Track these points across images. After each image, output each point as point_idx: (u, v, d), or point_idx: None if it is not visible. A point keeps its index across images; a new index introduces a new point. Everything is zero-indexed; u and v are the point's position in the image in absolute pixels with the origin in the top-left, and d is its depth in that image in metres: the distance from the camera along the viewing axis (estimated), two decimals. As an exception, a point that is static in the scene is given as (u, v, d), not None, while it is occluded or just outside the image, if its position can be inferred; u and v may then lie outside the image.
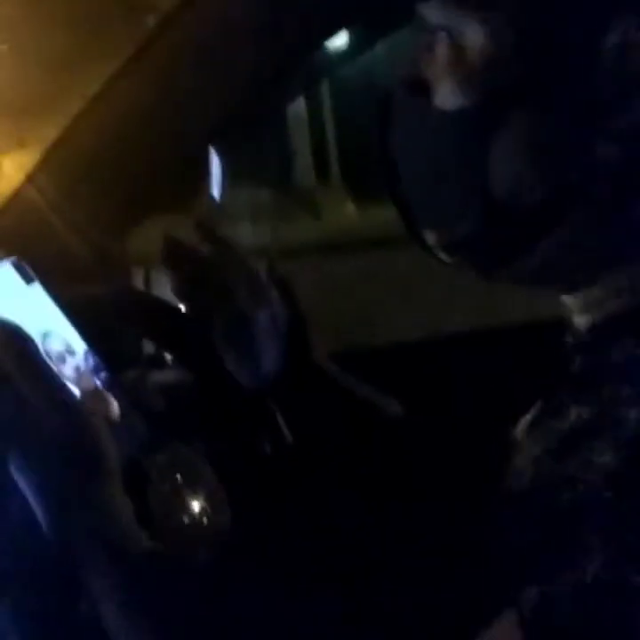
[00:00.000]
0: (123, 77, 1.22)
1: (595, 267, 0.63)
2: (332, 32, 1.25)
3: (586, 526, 0.52)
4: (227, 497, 1.00)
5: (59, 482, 0.67)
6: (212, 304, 0.89)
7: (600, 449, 0.54)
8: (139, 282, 1.37)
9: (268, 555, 1.00)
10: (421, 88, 0.63)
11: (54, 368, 0.68)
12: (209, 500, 0.97)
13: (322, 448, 1.04)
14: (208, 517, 0.96)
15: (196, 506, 0.96)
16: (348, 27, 1.25)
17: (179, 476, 0.96)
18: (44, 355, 0.67)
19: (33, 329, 0.68)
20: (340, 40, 1.38)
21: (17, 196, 1.26)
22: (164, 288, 1.39)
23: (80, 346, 0.73)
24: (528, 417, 0.66)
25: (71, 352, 0.71)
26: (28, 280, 0.71)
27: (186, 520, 0.95)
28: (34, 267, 0.73)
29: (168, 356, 1.15)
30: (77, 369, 0.70)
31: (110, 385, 0.72)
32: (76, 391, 0.69)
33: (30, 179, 1.26)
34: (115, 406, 0.71)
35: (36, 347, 0.67)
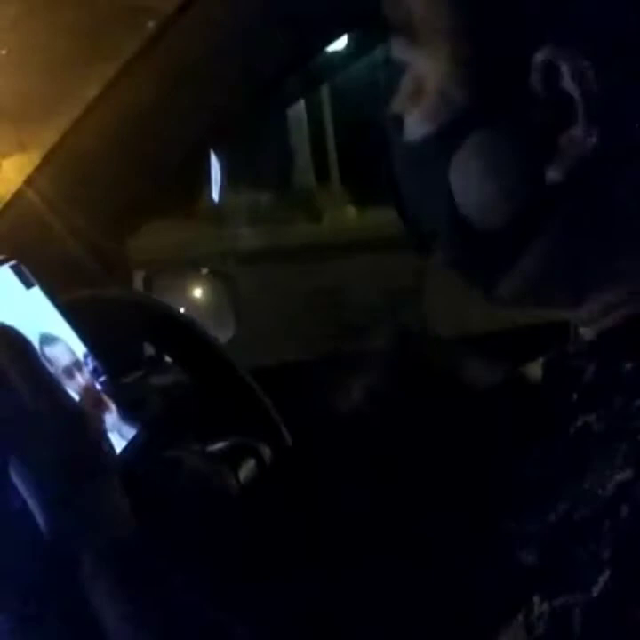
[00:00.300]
0: (122, 81, 1.23)
1: (580, 285, 0.64)
2: (331, 36, 1.25)
3: (598, 541, 0.52)
4: (226, 498, 1.00)
5: (57, 484, 0.67)
6: None
7: (615, 464, 0.54)
8: (138, 285, 1.37)
9: (269, 554, 1.00)
10: (396, 121, 0.66)
11: (53, 372, 0.68)
12: (208, 501, 0.97)
13: (321, 447, 1.04)
14: (207, 517, 0.96)
15: (196, 506, 0.96)
16: (345, 31, 1.26)
17: (179, 476, 0.96)
18: (42, 358, 0.68)
19: (32, 333, 0.68)
20: (339, 43, 1.38)
21: (17, 198, 1.26)
22: (163, 291, 1.39)
23: (79, 349, 0.73)
24: (541, 426, 0.66)
25: (70, 356, 0.71)
26: (28, 284, 0.71)
27: (187, 521, 0.95)
28: (33, 270, 0.72)
29: (168, 360, 1.16)
30: (76, 372, 0.70)
31: (109, 388, 0.72)
32: (75, 394, 0.69)
33: (30, 182, 1.26)
34: (113, 409, 0.71)
35: (34, 350, 0.67)
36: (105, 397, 0.71)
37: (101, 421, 0.70)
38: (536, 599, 0.53)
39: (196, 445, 1.02)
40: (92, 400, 0.70)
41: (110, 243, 1.32)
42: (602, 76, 0.58)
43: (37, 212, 1.25)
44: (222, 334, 1.33)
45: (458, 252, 0.66)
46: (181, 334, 1.13)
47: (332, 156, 4.87)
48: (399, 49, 0.65)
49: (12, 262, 0.71)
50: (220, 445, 1.05)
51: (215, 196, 1.45)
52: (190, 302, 1.40)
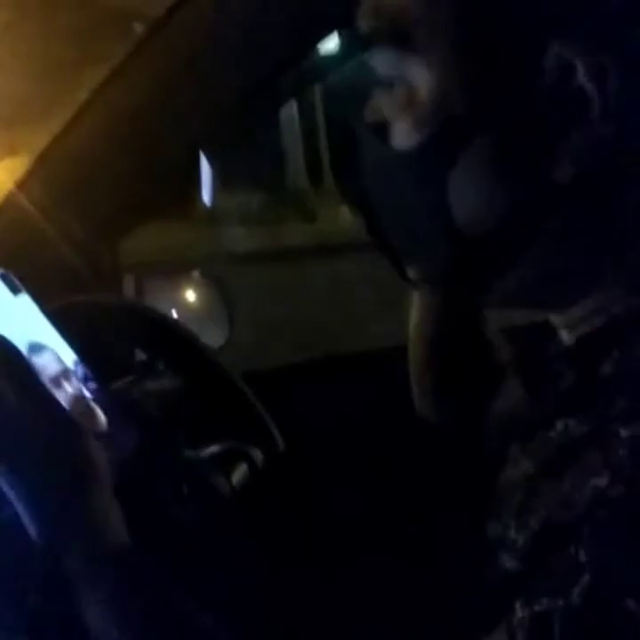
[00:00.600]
0: (112, 84, 1.22)
1: (573, 285, 0.64)
2: (321, 37, 1.25)
3: (577, 545, 0.52)
4: (223, 502, 1.00)
5: (47, 491, 0.67)
6: None
7: (593, 468, 0.54)
8: (130, 288, 1.37)
9: (263, 559, 0.99)
10: (381, 130, 0.65)
11: (42, 379, 0.67)
12: (200, 506, 0.97)
13: (314, 452, 1.04)
14: (200, 522, 0.96)
15: (187, 511, 0.96)
16: (338, 31, 1.25)
17: (169, 482, 0.96)
18: (31, 365, 0.67)
19: (20, 339, 0.68)
20: (331, 44, 1.38)
21: (7, 202, 1.26)
22: (155, 294, 1.38)
23: (68, 356, 0.72)
24: (519, 430, 0.66)
25: (59, 363, 0.71)
26: (15, 291, 0.71)
27: (177, 525, 0.94)
28: (24, 274, 0.72)
29: (160, 364, 1.15)
30: (66, 379, 0.70)
31: (99, 394, 0.72)
32: (64, 401, 0.68)
33: (21, 185, 1.26)
34: (103, 416, 0.70)
35: (25, 359, 0.67)
36: (95, 404, 0.71)
37: (92, 429, 0.69)
38: (517, 605, 0.53)
39: (189, 450, 1.01)
40: (82, 407, 0.70)
41: (101, 246, 1.32)
42: (620, 72, 0.57)
43: (28, 216, 1.24)
44: (215, 337, 1.33)
45: (447, 263, 0.65)
46: (173, 340, 1.13)
47: (325, 157, 4.87)
48: (386, 63, 0.64)
49: (0, 270, 0.71)
50: (212, 450, 1.05)
51: (207, 197, 1.45)
52: (182, 305, 1.40)
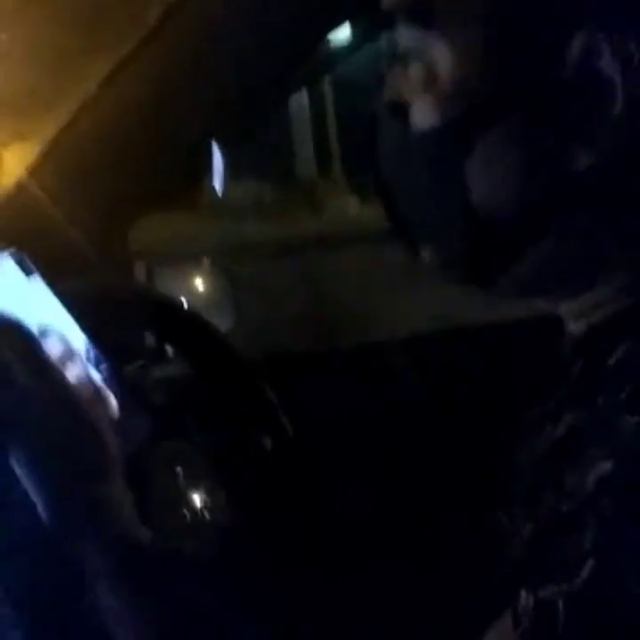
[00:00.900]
0: (123, 72, 1.22)
1: (587, 272, 0.64)
2: (329, 28, 1.25)
3: (581, 533, 0.52)
4: (227, 491, 1.00)
5: (60, 476, 0.67)
6: None
7: (598, 457, 0.54)
8: (140, 275, 1.37)
9: (269, 549, 1.00)
10: (400, 110, 0.65)
11: (55, 361, 0.68)
12: (210, 495, 0.97)
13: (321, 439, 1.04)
14: (209, 511, 0.96)
15: (196, 500, 0.96)
16: (346, 21, 1.25)
17: (179, 470, 0.96)
18: (44, 348, 0.67)
19: (33, 322, 0.68)
20: (342, 34, 1.38)
21: (18, 189, 1.26)
22: (165, 282, 1.39)
23: (81, 339, 0.72)
24: (528, 420, 0.66)
25: (72, 345, 0.71)
26: (29, 273, 0.71)
27: (187, 514, 0.95)
28: (35, 259, 0.72)
29: (169, 350, 1.15)
30: (78, 362, 0.70)
31: (111, 378, 0.72)
32: (77, 385, 0.68)
33: (31, 172, 1.26)
34: (115, 400, 0.71)
35: (36, 340, 0.67)
36: (106, 387, 0.71)
37: (103, 413, 0.69)
38: (523, 592, 0.53)
39: (198, 436, 1.02)
40: (94, 391, 0.70)
41: (112, 233, 1.32)
42: None
43: (38, 202, 1.25)
44: (222, 325, 1.33)
45: (461, 248, 0.64)
46: (185, 325, 1.13)
47: (335, 147, 4.86)
48: (409, 36, 0.63)
49: (13, 251, 0.71)
50: (221, 435, 1.05)
51: (217, 187, 1.45)
52: (191, 293, 1.40)
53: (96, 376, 0.71)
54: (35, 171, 1.26)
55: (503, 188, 0.62)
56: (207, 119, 1.31)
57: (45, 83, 1.28)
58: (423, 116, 0.63)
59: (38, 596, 0.83)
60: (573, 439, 0.58)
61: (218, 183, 1.41)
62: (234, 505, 1.00)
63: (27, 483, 0.66)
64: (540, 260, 0.63)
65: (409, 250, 0.67)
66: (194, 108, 1.27)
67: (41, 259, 0.73)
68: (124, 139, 1.28)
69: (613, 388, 0.57)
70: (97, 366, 0.72)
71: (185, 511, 0.95)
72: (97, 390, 0.70)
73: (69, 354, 0.69)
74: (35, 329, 0.68)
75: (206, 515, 0.96)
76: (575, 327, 0.66)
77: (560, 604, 0.51)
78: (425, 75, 0.62)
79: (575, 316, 0.66)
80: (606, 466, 0.54)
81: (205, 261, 1.49)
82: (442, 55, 0.61)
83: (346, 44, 1.45)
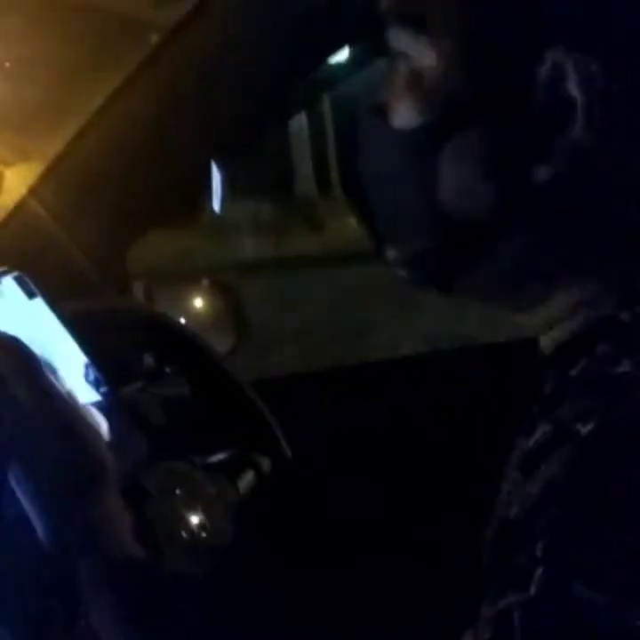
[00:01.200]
0: (125, 92, 1.23)
1: (547, 282, 0.65)
2: (331, 49, 1.26)
3: (534, 542, 0.53)
4: (226, 511, 1.00)
5: (57, 494, 0.67)
6: None
7: (551, 464, 0.55)
8: (139, 295, 1.37)
9: (267, 568, 1.00)
10: (383, 110, 0.67)
11: (55, 382, 0.68)
12: (208, 515, 0.97)
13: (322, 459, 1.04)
14: (207, 532, 0.96)
15: (194, 520, 0.96)
16: (346, 44, 1.27)
17: (178, 491, 0.96)
18: (44, 368, 0.68)
19: (34, 343, 0.69)
20: (340, 55, 1.39)
21: (20, 208, 1.27)
22: (164, 301, 1.39)
23: (81, 360, 0.73)
24: (509, 441, 0.67)
25: (72, 366, 0.71)
26: (30, 294, 0.72)
27: (184, 534, 0.95)
28: (36, 279, 0.73)
29: (168, 370, 1.16)
30: (78, 383, 0.71)
31: (111, 399, 0.72)
32: (76, 404, 0.69)
33: (33, 191, 1.26)
34: (114, 420, 0.71)
35: (37, 360, 0.68)
36: (105, 410, 0.71)
37: (101, 433, 0.70)
38: (483, 606, 0.54)
39: (196, 457, 1.02)
40: (92, 410, 0.70)
41: (112, 252, 1.32)
42: (609, 83, 0.59)
43: (40, 222, 1.25)
44: (222, 345, 1.34)
45: (428, 246, 0.66)
46: (182, 346, 1.14)
47: (334, 165, 4.88)
48: (399, 39, 0.65)
49: (15, 273, 0.71)
50: (219, 457, 1.05)
51: (217, 206, 1.45)
52: (190, 313, 1.41)
53: (95, 396, 0.72)
54: (36, 190, 1.26)
55: (472, 191, 0.64)
56: (209, 139, 1.31)
57: (47, 102, 1.29)
58: (404, 116, 0.65)
59: (30, 616, 0.83)
60: (539, 451, 0.59)
61: (217, 202, 1.42)
62: (233, 525, 1.00)
63: (24, 499, 0.67)
64: (500, 265, 0.65)
65: (376, 249, 0.69)
66: (195, 128, 1.28)
67: (42, 279, 0.74)
68: (127, 158, 1.29)
69: (572, 398, 0.58)
70: (96, 386, 0.72)
71: (182, 531, 0.95)
72: (96, 410, 0.70)
73: (69, 374, 0.70)
74: (36, 349, 0.68)
75: (204, 534, 0.96)
76: (544, 345, 0.68)
77: (516, 613, 0.52)
78: (410, 77, 0.64)
79: (542, 330, 0.67)
80: (558, 474, 0.55)
81: (205, 280, 1.50)
82: (427, 60, 0.63)
83: (345, 63, 1.46)
